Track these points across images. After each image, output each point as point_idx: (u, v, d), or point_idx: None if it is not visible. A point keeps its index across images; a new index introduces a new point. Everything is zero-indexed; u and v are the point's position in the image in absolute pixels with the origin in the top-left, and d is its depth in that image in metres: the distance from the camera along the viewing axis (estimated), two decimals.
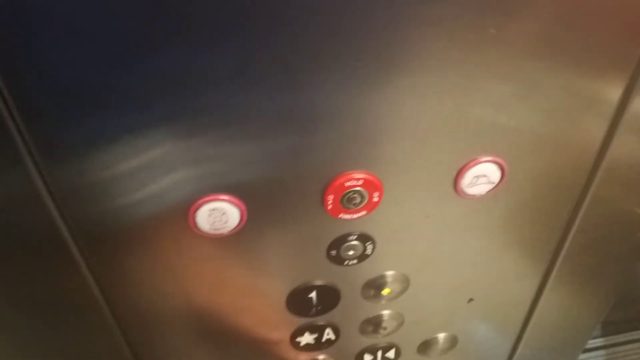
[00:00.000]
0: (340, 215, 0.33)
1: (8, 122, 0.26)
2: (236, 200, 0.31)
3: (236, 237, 0.33)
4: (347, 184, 0.32)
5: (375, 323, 0.44)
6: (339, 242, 0.36)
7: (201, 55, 0.25)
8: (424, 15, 0.26)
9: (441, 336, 0.47)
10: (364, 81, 0.28)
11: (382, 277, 0.39)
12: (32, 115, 0.26)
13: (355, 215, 0.34)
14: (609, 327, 0.96)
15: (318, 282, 0.38)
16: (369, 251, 0.37)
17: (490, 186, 0.34)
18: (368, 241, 0.36)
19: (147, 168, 0.29)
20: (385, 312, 0.43)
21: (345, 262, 0.37)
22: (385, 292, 0.40)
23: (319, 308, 0.40)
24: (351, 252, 0.36)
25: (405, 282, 0.40)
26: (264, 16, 0.24)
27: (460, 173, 0.33)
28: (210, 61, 0.25)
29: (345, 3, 0.25)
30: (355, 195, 0.32)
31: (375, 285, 0.40)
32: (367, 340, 0.46)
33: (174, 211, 0.31)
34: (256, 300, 0.39)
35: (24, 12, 0.22)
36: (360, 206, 0.33)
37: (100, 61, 0.24)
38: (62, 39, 0.24)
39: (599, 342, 0.96)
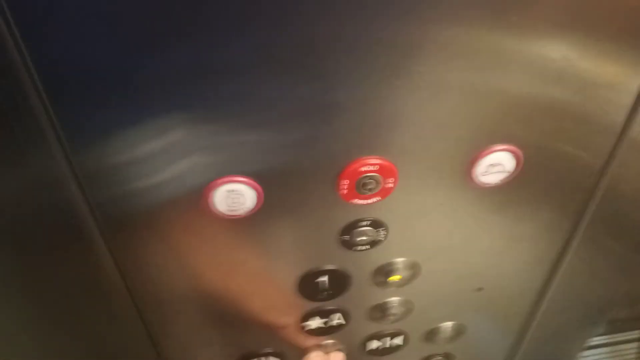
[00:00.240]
0: (354, 201, 0.34)
1: (36, 104, 0.26)
2: (253, 183, 0.31)
3: (251, 219, 0.33)
4: (363, 169, 0.32)
5: (383, 309, 0.44)
6: (352, 227, 0.36)
7: (223, 44, 0.26)
8: (442, 3, 0.26)
9: (448, 325, 0.48)
10: (382, 69, 0.28)
11: (393, 263, 0.40)
12: (59, 97, 0.26)
13: (369, 201, 0.34)
14: (615, 325, 0.96)
15: (329, 267, 0.39)
16: (381, 237, 0.37)
17: (505, 175, 0.34)
18: (381, 227, 0.36)
19: (167, 151, 0.30)
20: (395, 299, 0.44)
21: (357, 248, 0.37)
22: (396, 278, 0.41)
23: (329, 292, 0.41)
24: (363, 238, 0.37)
25: (415, 270, 0.41)
26: (283, 6, 0.25)
27: (474, 161, 0.33)
28: (231, 50, 0.26)
29: None
30: (370, 181, 0.32)
31: (385, 272, 0.40)
32: (375, 326, 0.46)
33: (192, 194, 0.32)
34: (268, 283, 0.39)
35: None
36: (375, 192, 0.33)
37: (126, 47, 0.25)
38: (91, 25, 0.24)
39: (603, 339, 0.96)
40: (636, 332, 0.94)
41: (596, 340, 0.95)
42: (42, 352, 0.41)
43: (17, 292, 0.36)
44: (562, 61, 0.29)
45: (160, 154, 0.30)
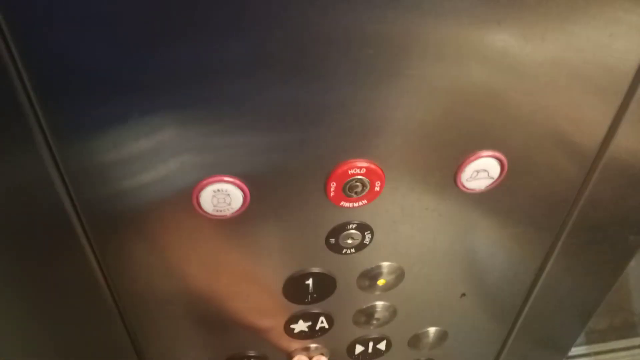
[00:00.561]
0: (342, 203, 0.34)
1: (23, 101, 0.26)
2: (240, 183, 0.31)
3: (238, 220, 0.33)
4: (350, 171, 0.32)
5: (368, 314, 0.44)
6: (339, 230, 0.36)
7: (213, 46, 0.26)
8: (430, 8, 0.27)
9: (432, 330, 0.48)
10: (371, 73, 0.28)
11: (378, 267, 0.40)
12: (46, 95, 0.26)
13: (356, 204, 0.34)
14: (594, 335, 0.97)
15: (315, 270, 0.39)
16: (367, 241, 0.37)
17: (490, 181, 0.34)
18: (367, 230, 0.37)
19: (155, 151, 0.29)
20: (379, 304, 0.44)
21: (344, 251, 0.38)
22: (380, 283, 0.41)
23: (314, 296, 0.41)
24: (350, 241, 0.37)
25: (400, 274, 0.41)
26: (275, 8, 0.25)
27: (461, 167, 0.33)
28: (220, 52, 0.26)
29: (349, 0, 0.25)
30: (357, 184, 0.33)
31: (370, 276, 0.41)
32: (359, 331, 0.46)
33: (179, 194, 0.32)
34: (254, 284, 0.39)
35: None
36: (362, 194, 0.33)
37: (115, 45, 0.25)
38: (79, 22, 0.24)
39: (583, 349, 0.97)
40: (616, 342, 0.96)
41: (576, 351, 0.96)
42: (21, 352, 0.41)
43: None
44: (548, 68, 0.30)
45: (147, 154, 0.29)
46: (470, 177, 0.34)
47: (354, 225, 0.36)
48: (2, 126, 0.27)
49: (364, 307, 0.44)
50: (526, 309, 0.47)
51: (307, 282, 0.40)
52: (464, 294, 0.45)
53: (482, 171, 0.34)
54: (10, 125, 0.27)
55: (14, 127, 0.27)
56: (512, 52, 0.29)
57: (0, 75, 0.25)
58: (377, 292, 0.42)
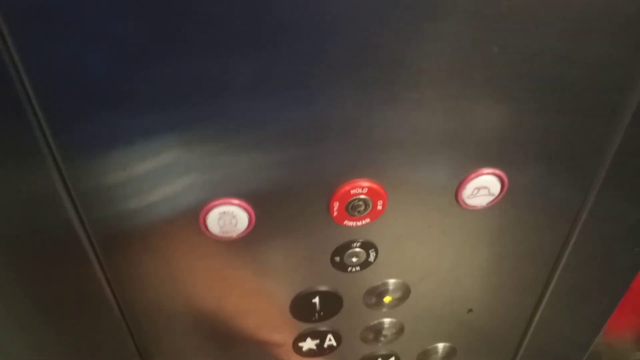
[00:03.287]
0: (345, 222, 0.35)
1: (32, 120, 0.27)
2: (246, 205, 0.32)
3: (244, 240, 0.34)
4: (353, 191, 0.33)
5: (375, 331, 0.44)
6: (343, 248, 0.37)
7: (218, 65, 0.27)
8: (429, 33, 0.27)
9: (440, 346, 0.48)
10: (372, 95, 0.29)
11: (384, 284, 0.40)
12: (54, 114, 0.27)
13: (359, 223, 0.35)
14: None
15: (322, 288, 0.40)
16: (371, 258, 0.38)
17: (491, 198, 0.35)
18: (371, 248, 0.37)
19: (161, 171, 0.30)
20: (386, 320, 0.44)
21: (349, 269, 0.38)
22: (387, 300, 0.41)
23: (321, 314, 0.41)
24: (354, 259, 0.37)
25: (406, 291, 0.41)
26: (279, 32, 0.26)
27: (461, 184, 0.34)
28: (226, 72, 0.27)
29: (355, 22, 0.26)
30: (360, 203, 0.33)
31: (376, 293, 0.41)
32: (367, 348, 0.46)
33: (185, 214, 0.32)
34: (261, 303, 0.40)
35: (48, 13, 0.24)
36: (365, 214, 0.34)
37: (121, 64, 0.26)
38: (89, 41, 0.25)
39: None
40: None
41: None
42: None
43: (8, 307, 0.36)
44: (546, 89, 0.30)
45: (154, 173, 0.30)
46: (471, 195, 0.34)
47: (358, 244, 0.37)
48: (11, 147, 0.28)
49: (372, 324, 0.44)
50: (534, 324, 0.47)
51: (313, 301, 0.40)
52: (470, 310, 0.45)
53: (482, 188, 0.34)
54: (19, 145, 0.28)
55: (22, 147, 0.28)
56: (513, 74, 0.29)
57: (8, 95, 0.25)
58: (384, 309, 0.43)
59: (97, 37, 0.25)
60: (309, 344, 0.44)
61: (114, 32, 0.25)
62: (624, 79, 0.31)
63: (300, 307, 0.40)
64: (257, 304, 0.40)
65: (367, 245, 0.37)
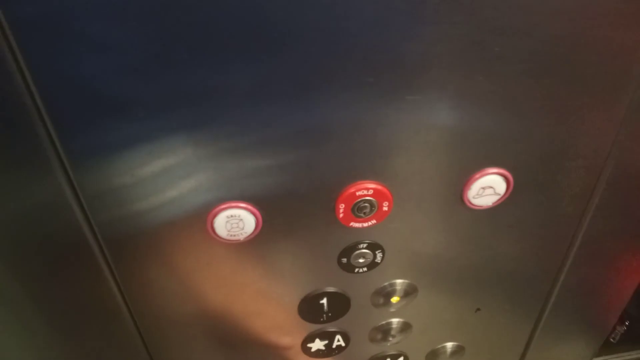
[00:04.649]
0: (351, 224, 0.35)
1: (39, 126, 0.27)
2: (253, 208, 0.32)
3: (251, 243, 0.34)
4: (358, 193, 0.33)
5: (384, 331, 0.45)
6: (350, 250, 0.37)
7: (223, 71, 0.27)
8: (431, 35, 0.27)
9: (449, 345, 0.48)
10: (376, 97, 0.29)
11: (391, 285, 0.41)
12: (62, 120, 0.27)
13: (365, 224, 0.35)
14: (610, 346, 0.95)
15: (329, 289, 0.40)
16: (378, 259, 0.38)
17: (497, 197, 0.35)
18: (378, 249, 0.37)
19: (168, 175, 0.31)
20: (394, 320, 0.44)
21: (356, 270, 0.38)
22: (394, 300, 0.42)
23: (329, 315, 0.41)
24: (361, 260, 0.38)
25: (413, 291, 0.41)
26: (281, 37, 0.26)
27: (467, 184, 0.34)
28: (231, 77, 0.27)
29: (357, 26, 0.26)
30: (365, 205, 0.34)
31: (384, 293, 0.41)
32: (376, 348, 0.47)
33: (192, 217, 0.33)
34: (269, 305, 0.40)
35: (55, 23, 0.24)
36: (370, 215, 0.34)
37: (128, 72, 0.26)
38: (91, 49, 0.25)
39: None
40: (632, 353, 0.93)
41: None
42: None
43: (18, 313, 0.36)
44: (549, 89, 0.30)
45: (162, 177, 0.31)
46: (477, 194, 0.34)
47: (365, 245, 0.37)
48: (19, 153, 0.28)
49: (380, 324, 0.44)
50: (542, 322, 0.47)
51: (321, 302, 0.40)
52: (478, 309, 0.45)
53: (488, 188, 0.34)
54: (27, 152, 0.28)
55: (30, 154, 0.28)
56: (516, 74, 0.30)
57: (16, 103, 0.26)
58: (392, 309, 0.43)
59: (103, 45, 0.25)
60: (317, 344, 0.44)
61: (119, 39, 0.25)
62: (628, 78, 0.31)
63: (308, 309, 0.40)
64: (266, 305, 0.40)
65: (373, 247, 0.37)
